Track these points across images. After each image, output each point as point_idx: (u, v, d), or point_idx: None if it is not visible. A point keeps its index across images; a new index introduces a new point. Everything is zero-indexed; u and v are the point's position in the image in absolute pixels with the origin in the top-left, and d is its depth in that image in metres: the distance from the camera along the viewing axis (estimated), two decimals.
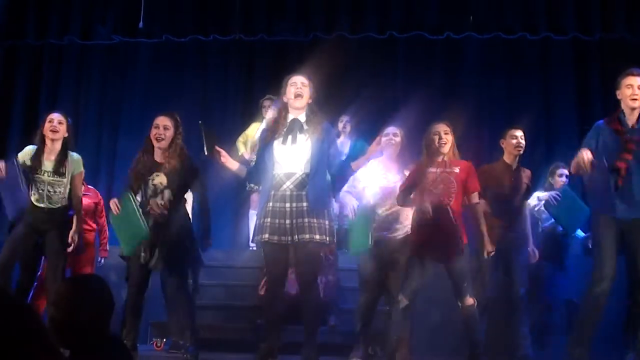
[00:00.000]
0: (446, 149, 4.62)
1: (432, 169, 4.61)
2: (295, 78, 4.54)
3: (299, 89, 4.47)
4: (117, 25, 8.18)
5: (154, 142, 4.82)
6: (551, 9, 7.70)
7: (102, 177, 8.06)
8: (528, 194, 5.31)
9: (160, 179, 4.79)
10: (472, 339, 4.59)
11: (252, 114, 7.27)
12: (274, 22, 7.99)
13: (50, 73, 8.54)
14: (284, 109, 4.53)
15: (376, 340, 5.55)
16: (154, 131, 4.82)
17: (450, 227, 4.42)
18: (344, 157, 4.83)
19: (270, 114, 6.14)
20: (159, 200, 4.76)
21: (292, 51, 7.96)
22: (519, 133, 5.22)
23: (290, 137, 4.41)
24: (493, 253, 4.69)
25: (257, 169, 4.59)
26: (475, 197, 4.61)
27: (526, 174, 5.29)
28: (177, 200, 4.84)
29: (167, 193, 4.78)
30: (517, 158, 5.26)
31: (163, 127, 4.81)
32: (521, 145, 5.20)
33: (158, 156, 4.85)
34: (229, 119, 8.17)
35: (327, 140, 4.47)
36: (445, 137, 4.62)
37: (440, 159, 4.62)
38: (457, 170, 4.58)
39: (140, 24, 7.77)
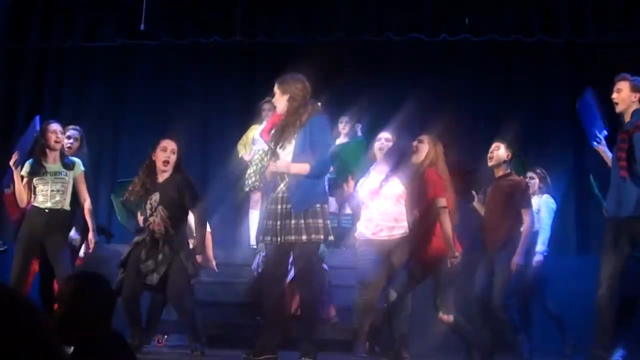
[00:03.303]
0: (414, 159, 4.78)
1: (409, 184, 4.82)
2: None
3: (274, 97, 4.56)
4: (119, 28, 8.24)
5: (161, 165, 4.96)
6: (545, 12, 7.75)
7: (105, 178, 8.15)
8: (518, 203, 5.22)
9: (155, 197, 4.93)
10: (465, 344, 4.76)
11: (252, 115, 7.34)
12: (274, 24, 8.05)
13: (53, 75, 8.62)
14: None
15: (373, 336, 5.66)
16: (162, 154, 4.96)
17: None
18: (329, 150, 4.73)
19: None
20: (156, 218, 4.89)
21: (291, 53, 8.03)
22: (495, 144, 5.34)
23: (282, 142, 4.47)
24: (455, 259, 4.63)
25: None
26: (438, 203, 4.62)
27: (512, 182, 5.28)
28: (173, 216, 4.93)
29: (160, 210, 4.90)
30: (497, 164, 5.33)
31: (171, 151, 4.98)
32: (491, 156, 5.30)
33: (160, 176, 5.01)
34: (230, 120, 8.25)
35: (311, 134, 4.42)
36: (417, 145, 4.79)
37: (415, 168, 4.79)
38: (416, 183, 4.77)
39: (142, 27, 7.83)
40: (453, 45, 7.99)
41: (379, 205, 5.13)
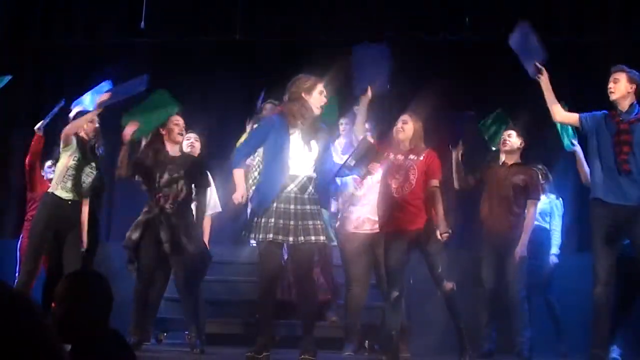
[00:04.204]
0: (402, 136, 4.81)
1: (397, 155, 4.80)
2: (324, 86, 4.56)
3: (324, 101, 4.54)
4: (119, 27, 8.25)
5: (177, 137, 5.05)
6: (545, 12, 7.75)
7: (104, 178, 8.13)
8: (527, 193, 5.33)
9: (177, 169, 4.99)
10: (455, 322, 4.79)
11: (252, 115, 7.34)
12: (274, 24, 8.06)
13: (53, 74, 8.63)
14: (304, 109, 4.49)
15: (373, 335, 5.68)
16: (176, 128, 5.03)
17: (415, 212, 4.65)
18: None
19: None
20: (171, 191, 4.96)
21: (291, 53, 8.04)
22: (507, 132, 5.46)
23: (305, 141, 4.46)
24: (448, 235, 4.73)
25: (253, 149, 4.75)
26: (433, 183, 4.74)
27: (526, 172, 5.39)
28: (187, 192, 5.06)
29: (181, 184, 4.99)
30: (513, 156, 5.39)
31: (182, 126, 5.10)
32: (506, 143, 5.38)
33: (172, 151, 5.06)
34: (230, 119, 8.25)
35: (325, 144, 4.61)
36: (402, 125, 4.83)
37: (401, 146, 4.81)
38: (421, 158, 4.76)
39: (142, 25, 7.83)
40: (453, 45, 7.99)
41: (363, 197, 5.17)
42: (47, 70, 8.68)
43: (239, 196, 4.49)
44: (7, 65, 8.43)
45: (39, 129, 5.49)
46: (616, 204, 4.52)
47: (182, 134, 5.10)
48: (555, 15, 7.78)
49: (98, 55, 8.53)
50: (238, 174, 4.55)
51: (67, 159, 5.03)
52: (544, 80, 4.75)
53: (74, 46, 8.44)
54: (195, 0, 8.26)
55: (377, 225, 5.10)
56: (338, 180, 5.31)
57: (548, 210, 6.06)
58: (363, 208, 5.21)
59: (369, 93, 4.81)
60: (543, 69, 4.73)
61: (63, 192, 5.01)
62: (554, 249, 6.05)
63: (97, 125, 5.21)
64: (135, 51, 8.52)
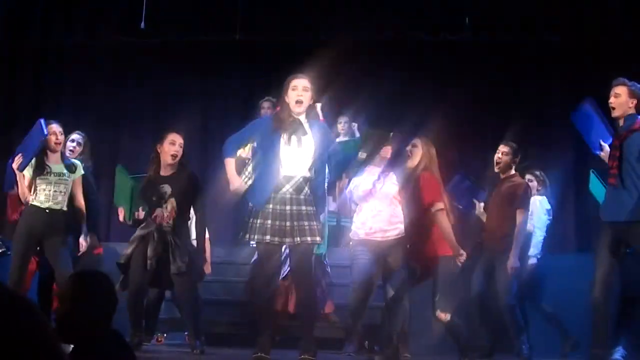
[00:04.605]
0: (409, 163, 4.75)
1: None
2: (297, 81, 4.46)
3: (300, 95, 4.43)
4: (119, 26, 8.25)
5: (169, 159, 4.99)
6: (545, 12, 7.75)
7: (104, 178, 8.14)
8: (515, 203, 5.29)
9: (165, 189, 4.96)
10: (458, 344, 4.77)
11: (252, 114, 7.34)
12: (274, 24, 8.06)
13: (53, 74, 8.63)
14: (286, 109, 4.48)
15: (372, 335, 5.68)
16: (171, 148, 4.99)
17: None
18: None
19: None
20: (165, 211, 4.94)
21: (291, 53, 8.04)
22: (500, 149, 5.39)
23: (294, 140, 4.41)
24: (463, 257, 4.58)
25: (244, 140, 4.69)
26: (433, 208, 4.57)
27: (513, 183, 5.37)
28: (181, 211, 5.01)
29: (171, 202, 4.96)
30: (504, 170, 5.40)
31: (179, 145, 5.02)
32: (498, 161, 5.38)
33: (164, 170, 5.03)
34: (230, 120, 8.25)
35: (327, 140, 4.56)
36: (411, 149, 4.76)
37: (410, 172, 4.75)
38: (409, 190, 4.73)
39: (142, 25, 7.83)
40: (453, 45, 7.99)
41: (373, 207, 5.14)
42: (47, 70, 8.69)
43: (237, 186, 4.46)
44: (7, 65, 8.45)
45: (12, 189, 5.46)
46: (611, 222, 4.53)
47: (175, 155, 5.02)
48: (555, 15, 7.76)
49: (98, 55, 8.55)
50: (230, 163, 4.53)
51: (31, 176, 5.15)
52: (605, 156, 4.70)
53: (74, 46, 8.44)
54: (195, 0, 8.25)
55: (388, 234, 5.08)
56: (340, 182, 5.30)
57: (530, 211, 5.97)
58: (374, 219, 5.18)
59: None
60: (605, 145, 4.68)
61: (38, 202, 5.13)
62: (532, 250, 5.88)
63: (59, 137, 5.19)
64: (135, 51, 8.53)
